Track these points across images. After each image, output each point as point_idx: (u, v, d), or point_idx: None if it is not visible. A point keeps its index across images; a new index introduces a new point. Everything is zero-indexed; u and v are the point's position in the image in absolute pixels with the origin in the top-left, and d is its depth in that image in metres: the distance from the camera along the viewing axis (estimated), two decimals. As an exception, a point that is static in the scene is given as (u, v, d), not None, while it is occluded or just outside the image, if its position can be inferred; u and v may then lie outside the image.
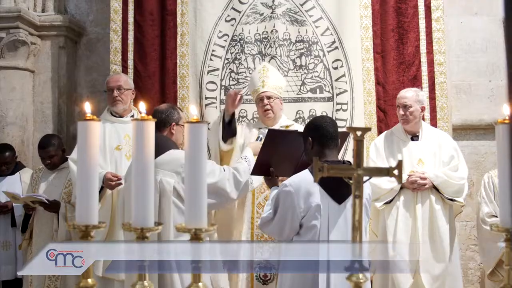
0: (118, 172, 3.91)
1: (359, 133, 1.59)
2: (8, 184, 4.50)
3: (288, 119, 4.22)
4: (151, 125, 1.64)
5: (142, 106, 1.69)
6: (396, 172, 1.60)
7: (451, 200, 3.92)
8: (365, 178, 1.61)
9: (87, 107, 1.66)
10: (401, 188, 3.93)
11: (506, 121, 1.61)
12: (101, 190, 3.85)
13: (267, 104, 4.05)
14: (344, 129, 3.89)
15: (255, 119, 4.54)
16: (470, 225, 5.02)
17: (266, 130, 3.56)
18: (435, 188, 3.90)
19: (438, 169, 3.95)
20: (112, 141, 4.09)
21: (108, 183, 3.82)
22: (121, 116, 4.17)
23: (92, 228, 1.66)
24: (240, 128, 4.21)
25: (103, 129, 4.08)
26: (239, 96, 4.00)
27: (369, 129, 1.68)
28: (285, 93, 4.51)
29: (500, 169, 1.66)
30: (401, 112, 4.01)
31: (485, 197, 4.10)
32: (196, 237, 1.56)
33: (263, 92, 4.09)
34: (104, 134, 4.07)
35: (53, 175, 4.33)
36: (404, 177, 3.85)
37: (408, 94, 4.06)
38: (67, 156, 4.28)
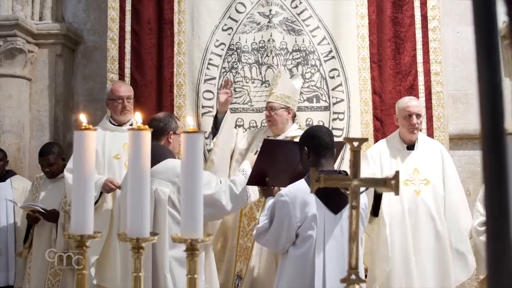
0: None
1: (356, 143, 1.59)
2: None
3: (297, 129, 4.16)
4: (147, 135, 1.64)
5: (138, 116, 1.69)
6: (393, 182, 1.60)
7: None
8: (361, 188, 1.61)
9: (83, 118, 1.66)
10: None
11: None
12: (100, 195, 3.86)
13: (268, 115, 4.11)
14: (341, 139, 3.89)
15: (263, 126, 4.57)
16: (466, 234, 5.01)
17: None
18: None
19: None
20: (111, 149, 4.08)
21: (107, 183, 3.81)
22: (120, 125, 4.16)
23: (87, 238, 1.65)
24: (239, 134, 4.26)
25: (103, 137, 4.07)
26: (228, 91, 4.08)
27: (366, 139, 1.68)
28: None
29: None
30: (414, 121, 3.99)
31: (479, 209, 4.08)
32: (192, 247, 1.55)
33: (268, 102, 4.19)
34: (104, 142, 4.06)
35: (52, 184, 4.33)
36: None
37: (417, 103, 4.10)
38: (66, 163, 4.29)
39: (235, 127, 4.55)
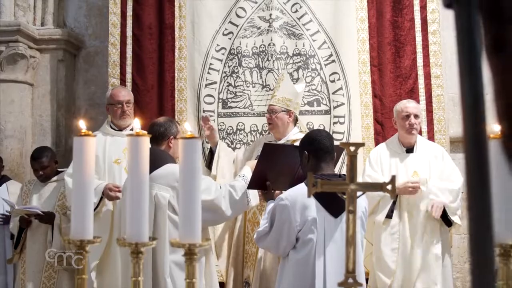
0: None
1: (352, 148, 1.61)
2: None
3: (298, 133, 4.13)
4: (146, 141, 1.65)
5: (137, 122, 1.71)
6: (389, 187, 1.61)
7: (448, 224, 3.92)
8: (358, 193, 1.62)
9: (82, 124, 1.67)
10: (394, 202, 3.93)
11: (496, 136, 1.62)
12: (101, 200, 3.87)
13: (269, 118, 4.12)
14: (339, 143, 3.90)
15: (263, 132, 4.58)
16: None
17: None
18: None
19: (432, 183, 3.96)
20: (111, 154, 4.10)
21: (107, 192, 3.83)
22: (120, 130, 4.18)
23: (87, 243, 1.67)
24: (239, 155, 4.29)
25: (104, 142, 4.10)
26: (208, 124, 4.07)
27: (362, 144, 1.69)
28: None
29: (493, 182, 1.67)
30: (413, 121, 4.01)
31: None
32: (190, 252, 1.57)
33: (269, 105, 4.19)
34: (104, 147, 4.08)
35: (45, 188, 4.30)
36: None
37: (415, 104, 4.12)
38: (61, 170, 4.29)
39: (236, 131, 4.58)
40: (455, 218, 3.90)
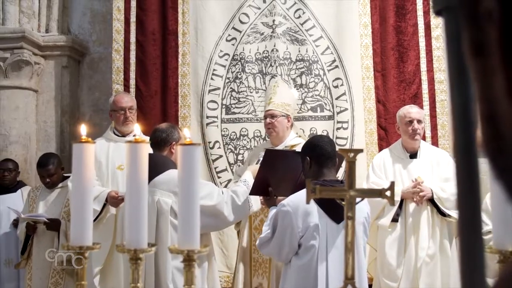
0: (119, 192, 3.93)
1: (351, 154, 1.60)
2: (10, 201, 4.52)
3: (296, 138, 4.10)
4: (144, 147, 1.66)
5: (137, 127, 1.71)
6: (388, 193, 1.60)
7: (443, 215, 3.90)
8: (357, 199, 1.62)
9: (82, 130, 1.68)
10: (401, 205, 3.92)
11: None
12: (104, 206, 3.88)
13: (269, 123, 4.06)
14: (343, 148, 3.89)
15: (267, 138, 4.57)
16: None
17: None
18: (432, 203, 3.89)
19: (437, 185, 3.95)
20: (114, 160, 4.12)
21: (112, 200, 3.84)
22: (123, 135, 4.20)
23: (86, 249, 1.67)
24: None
25: (107, 148, 4.12)
26: None
27: (361, 150, 1.69)
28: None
29: (493, 190, 1.66)
30: (416, 126, 4.00)
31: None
32: (189, 258, 1.57)
33: (267, 110, 4.10)
34: (108, 153, 4.10)
35: (51, 194, 4.32)
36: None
37: (417, 109, 4.11)
38: (67, 175, 4.30)
39: (240, 137, 4.59)
40: (449, 212, 3.87)
